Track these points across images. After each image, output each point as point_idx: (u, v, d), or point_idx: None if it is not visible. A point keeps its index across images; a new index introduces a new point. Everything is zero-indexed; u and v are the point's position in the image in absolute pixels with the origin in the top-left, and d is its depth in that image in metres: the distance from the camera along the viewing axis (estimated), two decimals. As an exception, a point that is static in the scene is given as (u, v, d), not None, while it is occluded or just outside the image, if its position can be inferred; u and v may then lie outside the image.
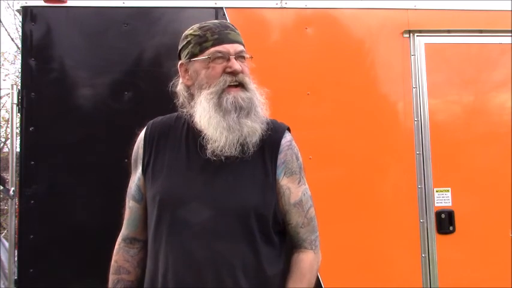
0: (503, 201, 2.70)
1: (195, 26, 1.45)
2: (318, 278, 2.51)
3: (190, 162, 1.39)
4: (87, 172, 2.55)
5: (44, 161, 2.54)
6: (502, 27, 2.79)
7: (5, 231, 6.35)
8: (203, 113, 1.37)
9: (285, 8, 2.75)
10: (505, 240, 2.69)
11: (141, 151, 1.49)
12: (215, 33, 1.41)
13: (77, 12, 2.64)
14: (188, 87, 1.46)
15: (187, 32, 1.47)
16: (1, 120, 10.68)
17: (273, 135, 1.42)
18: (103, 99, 2.63)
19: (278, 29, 2.79)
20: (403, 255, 2.66)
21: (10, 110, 2.61)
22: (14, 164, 2.58)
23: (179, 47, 1.49)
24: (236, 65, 1.38)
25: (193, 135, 1.42)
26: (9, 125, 2.70)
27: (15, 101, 2.57)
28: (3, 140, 10.46)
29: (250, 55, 1.46)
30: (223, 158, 1.35)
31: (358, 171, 2.68)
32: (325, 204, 2.51)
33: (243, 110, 1.36)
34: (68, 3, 2.61)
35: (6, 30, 15.10)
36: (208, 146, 1.36)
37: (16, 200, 2.54)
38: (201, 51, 1.40)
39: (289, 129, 1.49)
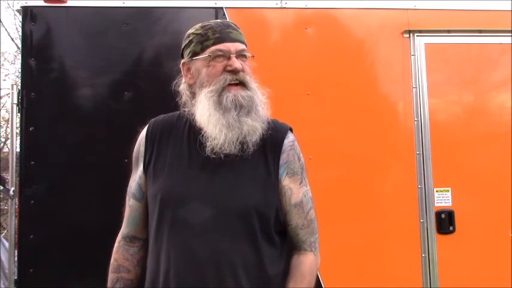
0: (503, 201, 2.70)
1: (198, 25, 1.46)
2: (318, 278, 2.51)
3: (192, 161, 1.39)
4: (87, 172, 2.55)
5: (44, 161, 2.53)
6: (502, 27, 2.79)
7: (5, 231, 6.35)
8: (203, 111, 1.38)
9: (285, 8, 2.75)
10: (505, 240, 2.69)
11: (142, 149, 1.49)
12: (216, 32, 1.41)
13: (77, 12, 2.64)
14: (190, 86, 1.46)
15: (190, 31, 1.47)
16: (1, 120, 10.68)
17: (275, 135, 1.42)
18: (103, 99, 2.63)
19: (278, 29, 2.79)
20: (403, 255, 2.66)
21: (10, 110, 2.61)
22: (14, 164, 2.58)
23: (182, 46, 1.50)
24: (236, 63, 1.38)
25: (194, 134, 1.42)
26: (9, 125, 2.70)
27: (15, 101, 2.57)
28: (3, 140, 10.47)
29: (251, 54, 1.46)
30: (222, 156, 1.35)
31: (358, 171, 2.68)
32: (326, 204, 2.51)
33: (244, 108, 1.36)
34: (68, 3, 2.61)
35: (6, 30, 15.12)
36: (208, 144, 1.36)
37: (16, 200, 2.54)
38: (202, 50, 1.41)
39: (291, 130, 1.49)
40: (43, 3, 2.58)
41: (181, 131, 1.46)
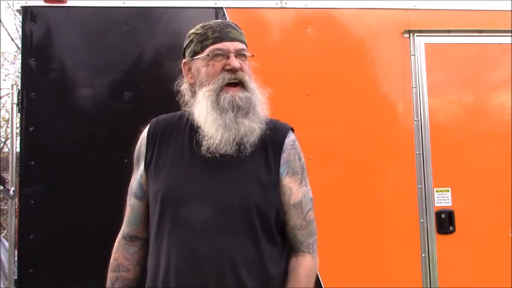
0: (503, 201, 2.70)
1: (198, 25, 1.47)
2: (318, 278, 2.51)
3: (193, 159, 1.40)
4: (87, 172, 2.55)
5: (44, 161, 2.53)
6: (502, 27, 2.79)
7: (5, 231, 6.35)
8: (201, 110, 1.39)
9: (285, 8, 2.75)
10: (505, 240, 2.69)
11: (143, 148, 1.49)
12: (216, 32, 1.42)
13: (77, 12, 2.64)
14: (191, 86, 1.47)
15: (191, 31, 1.48)
16: (1, 120, 10.68)
17: (276, 134, 1.43)
18: (103, 99, 2.63)
19: (278, 29, 2.79)
20: (403, 255, 2.66)
21: (10, 110, 2.61)
22: (14, 164, 2.58)
23: (183, 46, 1.51)
24: (235, 62, 1.39)
25: (194, 133, 1.42)
26: (9, 125, 2.70)
27: (15, 101, 2.57)
28: (3, 140, 10.47)
29: (251, 54, 1.46)
30: (217, 155, 1.35)
31: (358, 171, 2.68)
32: (326, 204, 2.51)
33: (241, 109, 1.37)
34: (68, 3, 2.61)
35: (6, 30, 15.12)
36: (204, 143, 1.36)
37: (16, 200, 2.53)
38: (202, 49, 1.42)
39: (292, 130, 1.49)
40: (43, 3, 2.58)
41: (183, 130, 1.46)
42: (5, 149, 9.77)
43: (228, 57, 1.39)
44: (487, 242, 2.68)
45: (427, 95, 2.76)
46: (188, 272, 1.32)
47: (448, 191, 2.71)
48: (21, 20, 2.66)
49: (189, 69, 1.48)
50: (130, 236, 1.51)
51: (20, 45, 3.30)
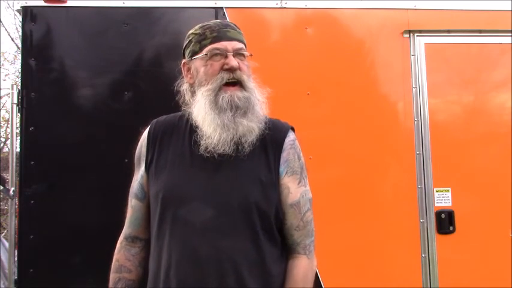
0: (503, 201, 2.70)
1: (197, 26, 1.48)
2: (318, 278, 2.51)
3: (193, 159, 1.40)
4: (87, 172, 2.55)
5: (44, 161, 2.53)
6: (502, 27, 2.79)
7: (5, 231, 6.35)
8: (199, 110, 1.39)
9: (285, 8, 2.75)
10: (505, 240, 2.69)
11: (144, 149, 1.49)
12: (214, 31, 1.42)
13: (77, 12, 2.64)
14: (191, 86, 1.47)
15: (190, 31, 1.49)
16: (1, 120, 10.68)
17: (276, 133, 1.43)
18: (103, 99, 2.63)
19: (278, 29, 2.79)
20: (403, 255, 2.66)
21: (10, 110, 2.61)
22: (14, 164, 2.58)
23: (183, 46, 1.51)
24: (233, 61, 1.39)
25: (194, 133, 1.42)
26: (9, 125, 2.70)
27: (15, 101, 2.57)
28: (3, 140, 10.47)
29: (250, 53, 1.46)
30: (216, 155, 1.35)
31: (358, 171, 2.68)
32: (325, 204, 2.51)
33: (239, 109, 1.37)
34: (68, 3, 2.61)
35: (6, 30, 15.12)
36: (202, 142, 1.37)
37: (16, 200, 2.53)
38: (201, 49, 1.43)
39: (293, 129, 1.49)
40: (43, 3, 2.58)
41: (183, 131, 1.46)
42: (5, 149, 9.77)
43: (226, 57, 1.40)
44: (487, 242, 2.68)
45: (427, 95, 2.76)
46: (189, 272, 1.32)
47: (448, 191, 2.71)
48: (21, 20, 2.66)
49: (189, 70, 1.48)
50: (132, 237, 1.51)
51: (20, 45, 3.30)
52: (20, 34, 2.91)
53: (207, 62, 1.41)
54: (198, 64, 1.43)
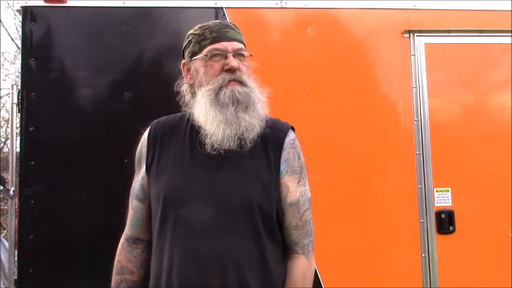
0: (503, 201, 2.70)
1: (197, 26, 1.48)
2: (318, 278, 2.51)
3: (194, 159, 1.40)
4: (87, 172, 2.55)
5: (44, 161, 2.53)
6: (502, 27, 2.79)
7: (5, 231, 6.35)
8: (201, 109, 1.39)
9: (285, 8, 2.75)
10: (505, 240, 2.69)
11: (144, 150, 1.49)
12: (214, 32, 1.42)
13: (77, 12, 2.64)
14: (191, 86, 1.47)
15: (190, 31, 1.49)
16: (1, 120, 10.68)
17: (276, 133, 1.43)
18: (103, 99, 2.63)
19: (278, 29, 2.79)
20: (403, 255, 2.66)
21: (10, 110, 2.61)
22: (14, 164, 2.58)
23: (182, 47, 1.51)
24: (233, 62, 1.39)
25: (195, 133, 1.42)
26: (9, 125, 2.70)
27: (15, 101, 2.57)
28: (3, 140, 10.46)
29: (249, 53, 1.46)
30: (222, 151, 1.35)
31: (358, 171, 2.68)
32: (325, 204, 2.51)
33: (240, 103, 1.37)
34: (68, 3, 2.61)
35: (6, 30, 15.11)
36: (207, 141, 1.37)
37: (16, 200, 2.53)
38: (200, 50, 1.43)
39: (293, 129, 1.50)
40: (43, 3, 2.58)
41: (183, 131, 1.46)
42: (5, 149, 9.77)
43: (226, 57, 1.40)
44: (487, 242, 2.68)
45: (427, 95, 2.76)
46: (191, 272, 1.32)
47: (448, 191, 2.71)
48: (21, 20, 2.66)
49: (188, 70, 1.48)
50: (133, 238, 1.51)
51: (20, 45, 3.30)
52: (20, 34, 2.91)
53: (207, 63, 1.41)
54: (197, 65, 1.43)
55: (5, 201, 7.49)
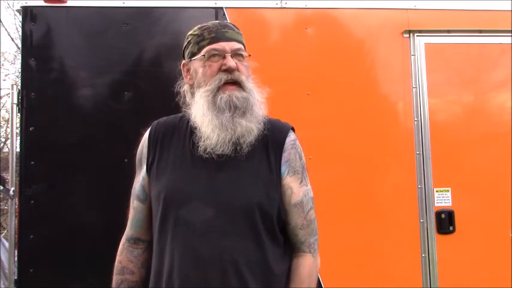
0: (503, 201, 2.70)
1: (196, 27, 1.48)
2: (317, 278, 2.51)
3: (194, 160, 1.40)
4: (87, 172, 2.55)
5: (44, 161, 2.53)
6: (502, 27, 2.79)
7: (5, 231, 6.35)
8: (198, 111, 1.39)
9: (285, 8, 2.75)
10: (505, 240, 2.69)
11: (145, 151, 1.49)
12: (212, 32, 1.42)
13: (77, 12, 2.64)
14: (191, 87, 1.47)
15: (189, 32, 1.49)
16: (1, 120, 10.68)
17: (277, 134, 1.43)
18: (103, 99, 2.63)
19: (278, 29, 2.79)
20: (403, 255, 2.66)
21: (10, 110, 2.61)
22: (14, 164, 2.58)
23: (183, 48, 1.51)
24: (231, 62, 1.39)
25: (194, 134, 1.42)
26: (9, 125, 2.70)
27: (15, 101, 2.57)
28: (3, 140, 10.47)
29: (248, 53, 1.46)
30: (215, 156, 1.35)
31: (358, 171, 2.68)
32: (325, 204, 2.51)
33: (238, 109, 1.36)
34: (68, 3, 2.61)
35: (6, 30, 15.12)
36: (200, 144, 1.37)
37: (16, 200, 2.53)
38: (199, 50, 1.43)
39: (293, 129, 1.50)
40: (43, 3, 2.58)
41: (184, 132, 1.46)
42: (5, 149, 9.77)
43: (224, 57, 1.39)
44: (487, 242, 2.68)
45: (427, 95, 2.76)
46: (192, 272, 1.32)
47: (448, 191, 2.71)
48: (21, 20, 2.66)
49: (188, 71, 1.48)
50: (134, 238, 1.51)
51: (20, 45, 3.30)
52: (20, 34, 2.91)
53: (205, 63, 1.41)
54: (196, 65, 1.43)
55: (5, 201, 7.49)
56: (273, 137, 1.42)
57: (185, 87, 1.50)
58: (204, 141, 1.36)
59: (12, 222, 2.60)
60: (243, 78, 1.41)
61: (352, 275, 2.60)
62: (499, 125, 2.78)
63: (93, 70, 2.61)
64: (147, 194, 1.48)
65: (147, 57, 2.68)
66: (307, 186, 1.45)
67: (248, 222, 1.34)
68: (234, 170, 1.37)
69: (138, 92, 2.63)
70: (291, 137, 1.46)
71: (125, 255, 1.51)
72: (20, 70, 2.81)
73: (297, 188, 1.42)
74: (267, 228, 1.36)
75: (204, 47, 1.41)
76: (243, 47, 1.45)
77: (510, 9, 2.81)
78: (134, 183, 1.53)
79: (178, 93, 1.52)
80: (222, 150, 1.35)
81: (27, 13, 2.61)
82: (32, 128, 2.55)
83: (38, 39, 2.61)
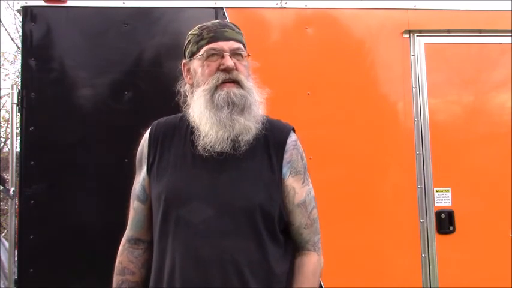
0: (503, 201, 2.71)
1: (196, 26, 1.48)
2: (318, 278, 2.51)
3: (195, 160, 1.39)
4: (87, 172, 2.55)
5: (44, 161, 2.53)
6: (502, 27, 2.79)
7: (5, 231, 6.35)
8: (196, 110, 1.39)
9: (285, 8, 2.75)
10: (505, 240, 2.69)
11: (145, 151, 1.49)
12: (211, 32, 1.42)
13: (77, 12, 2.64)
14: (191, 86, 1.47)
15: (190, 32, 1.49)
16: (1, 120, 10.69)
17: (278, 134, 1.43)
18: (103, 99, 2.63)
19: (278, 29, 2.79)
20: (403, 255, 2.66)
21: (10, 110, 2.61)
22: (14, 164, 2.58)
23: (183, 47, 1.51)
24: (229, 61, 1.38)
25: (195, 133, 1.42)
26: (9, 125, 2.70)
27: (15, 101, 2.56)
28: (3, 140, 10.47)
29: (247, 53, 1.46)
30: (214, 154, 1.35)
31: (358, 171, 2.68)
32: (326, 204, 2.50)
33: (236, 106, 1.36)
34: (68, 3, 2.61)
35: (6, 30, 15.11)
36: (200, 142, 1.36)
37: (16, 200, 2.53)
38: (198, 50, 1.43)
39: (294, 130, 1.49)
40: (43, 3, 2.58)
41: (184, 132, 1.46)
42: (5, 149, 9.77)
43: (223, 57, 1.39)
44: (487, 242, 2.68)
45: (427, 95, 2.76)
46: (193, 272, 1.32)
47: (448, 191, 2.71)
48: (21, 20, 2.66)
49: (188, 70, 1.48)
50: (135, 239, 1.51)
51: (20, 45, 3.30)
52: (20, 34, 2.91)
53: (204, 63, 1.41)
54: (196, 65, 1.43)
55: (5, 201, 7.49)
56: (274, 137, 1.42)
57: (186, 87, 1.50)
58: (203, 139, 1.36)
59: (12, 222, 2.60)
60: (241, 77, 1.41)
61: (352, 275, 2.60)
62: (499, 125, 2.78)
63: (93, 70, 2.61)
64: (148, 194, 1.47)
65: (147, 57, 2.68)
66: (309, 185, 1.46)
67: (249, 223, 1.34)
68: (235, 170, 1.37)
69: (138, 92, 2.63)
70: (293, 137, 1.46)
71: (125, 256, 1.51)
72: (20, 70, 2.81)
73: (299, 188, 1.42)
74: (267, 228, 1.36)
75: (203, 46, 1.41)
76: (242, 47, 1.44)
77: (510, 9, 2.81)
78: (134, 183, 1.52)
79: (178, 92, 1.52)
80: (221, 148, 1.35)
81: (27, 13, 2.61)
82: (32, 128, 2.55)
83: (38, 39, 2.61)
